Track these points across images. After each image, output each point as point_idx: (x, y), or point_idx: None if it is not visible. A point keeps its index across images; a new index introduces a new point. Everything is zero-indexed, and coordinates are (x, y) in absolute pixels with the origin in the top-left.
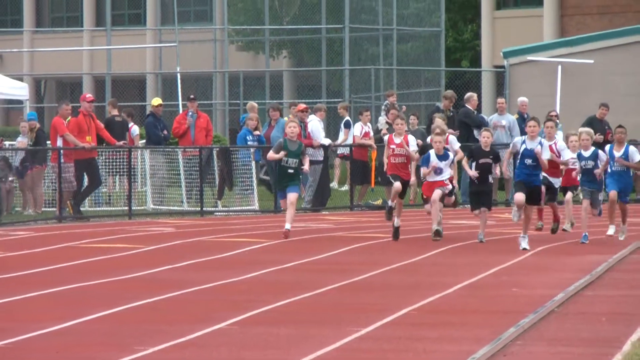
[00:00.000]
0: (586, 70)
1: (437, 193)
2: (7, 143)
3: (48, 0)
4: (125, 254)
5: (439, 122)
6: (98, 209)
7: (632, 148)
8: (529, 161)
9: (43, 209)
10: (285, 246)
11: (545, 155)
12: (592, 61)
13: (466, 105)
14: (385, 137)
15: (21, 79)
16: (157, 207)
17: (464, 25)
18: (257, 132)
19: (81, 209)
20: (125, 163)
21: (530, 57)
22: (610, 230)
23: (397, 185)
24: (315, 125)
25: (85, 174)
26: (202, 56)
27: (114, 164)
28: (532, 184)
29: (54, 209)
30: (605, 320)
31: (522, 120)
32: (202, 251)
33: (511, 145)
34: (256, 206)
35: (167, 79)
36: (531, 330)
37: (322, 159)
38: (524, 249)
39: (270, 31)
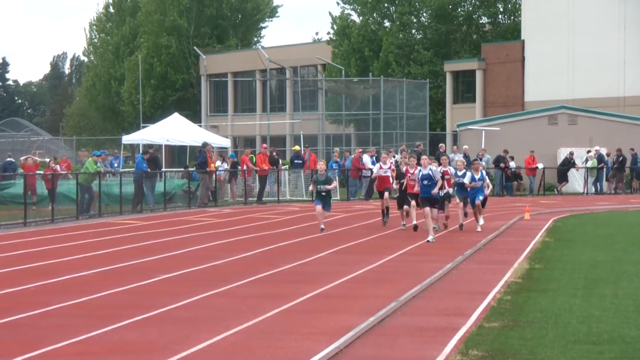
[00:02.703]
0: (496, 132)
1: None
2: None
3: (240, 98)
4: (275, 220)
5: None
6: (264, 198)
7: (484, 173)
8: (425, 182)
9: (237, 199)
10: (351, 216)
11: (437, 176)
12: (498, 128)
13: (439, 149)
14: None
15: (227, 137)
16: (291, 197)
17: (437, 111)
18: (337, 160)
19: (250, 198)
20: (276, 177)
21: (470, 127)
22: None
23: (414, 203)
24: (367, 158)
25: (259, 182)
26: (312, 126)
27: (273, 177)
28: (429, 195)
29: (242, 199)
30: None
31: (466, 157)
32: (312, 218)
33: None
34: (338, 197)
35: (297, 137)
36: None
37: (370, 175)
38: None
39: (345, 114)
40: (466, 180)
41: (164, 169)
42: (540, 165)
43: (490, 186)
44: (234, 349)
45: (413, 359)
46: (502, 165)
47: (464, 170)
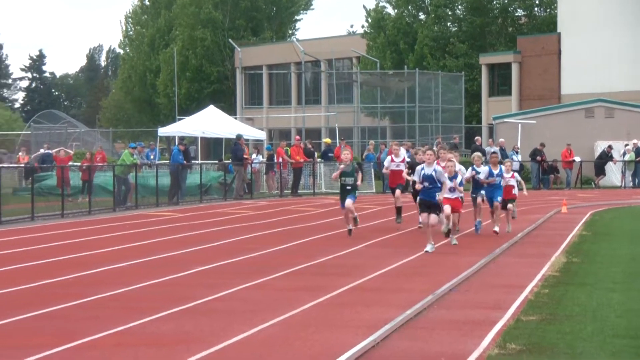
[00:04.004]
0: (532, 126)
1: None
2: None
3: (275, 90)
4: (311, 212)
5: (449, 155)
6: (300, 191)
7: (504, 169)
8: (426, 183)
9: (274, 192)
10: (387, 209)
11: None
12: (534, 122)
13: (475, 142)
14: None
15: (262, 129)
16: (326, 190)
17: (473, 104)
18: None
19: (286, 191)
20: (311, 169)
21: (506, 120)
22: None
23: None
24: (402, 151)
25: (294, 174)
26: (347, 119)
27: (308, 169)
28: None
29: (278, 191)
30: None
31: (502, 150)
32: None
33: (416, 172)
34: (373, 190)
35: (332, 129)
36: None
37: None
38: (427, 251)
39: (380, 107)
40: (481, 176)
41: (199, 161)
42: (577, 159)
43: (519, 182)
44: (270, 341)
45: (450, 352)
46: (538, 158)
47: (482, 166)
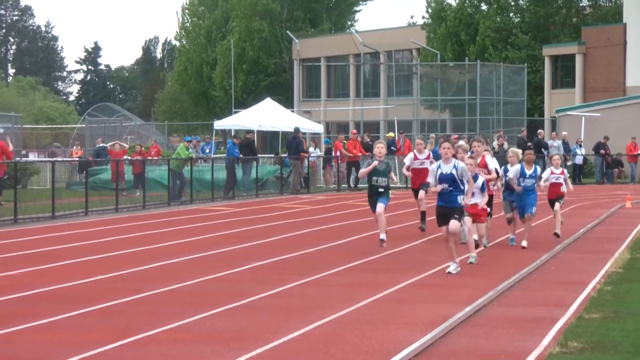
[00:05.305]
0: (596, 118)
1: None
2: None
3: (333, 82)
4: (368, 207)
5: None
6: (359, 185)
7: (539, 169)
8: (445, 184)
9: (331, 186)
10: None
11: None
12: (599, 114)
13: (538, 135)
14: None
15: (319, 122)
16: None
17: (535, 96)
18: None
19: (343, 185)
20: (369, 164)
21: (569, 112)
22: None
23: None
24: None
25: (353, 168)
26: (407, 112)
27: (366, 163)
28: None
29: (335, 185)
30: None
31: (565, 144)
32: (405, 206)
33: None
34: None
35: (390, 122)
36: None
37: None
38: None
39: (440, 99)
40: (510, 175)
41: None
42: None
43: (570, 187)
44: (327, 338)
45: (510, 350)
46: (602, 152)
47: (518, 165)
